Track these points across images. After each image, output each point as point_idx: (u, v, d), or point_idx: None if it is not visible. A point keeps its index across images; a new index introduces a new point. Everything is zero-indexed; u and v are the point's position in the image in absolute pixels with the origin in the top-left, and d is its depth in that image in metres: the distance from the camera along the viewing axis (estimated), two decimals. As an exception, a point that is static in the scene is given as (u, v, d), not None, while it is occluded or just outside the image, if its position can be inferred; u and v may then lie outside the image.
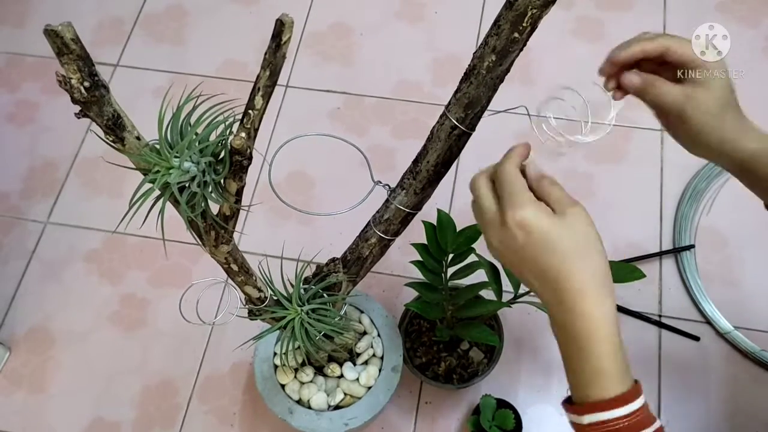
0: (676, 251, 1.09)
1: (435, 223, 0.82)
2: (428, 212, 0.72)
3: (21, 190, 1.21)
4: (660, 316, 1.06)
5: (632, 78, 0.60)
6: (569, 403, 0.52)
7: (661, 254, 1.09)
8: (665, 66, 0.60)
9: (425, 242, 0.83)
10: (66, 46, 0.41)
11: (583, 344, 0.49)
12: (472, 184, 0.56)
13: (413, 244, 0.84)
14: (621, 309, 1.05)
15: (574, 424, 0.51)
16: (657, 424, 0.50)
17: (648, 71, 0.60)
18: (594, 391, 0.49)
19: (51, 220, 1.18)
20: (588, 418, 0.49)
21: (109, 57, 1.33)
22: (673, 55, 0.58)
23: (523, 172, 0.54)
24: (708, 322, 1.04)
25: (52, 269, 1.14)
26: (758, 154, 0.58)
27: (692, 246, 1.09)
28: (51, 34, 0.40)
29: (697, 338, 1.03)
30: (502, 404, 0.95)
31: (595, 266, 0.50)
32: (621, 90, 0.62)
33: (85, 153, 1.24)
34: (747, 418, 0.98)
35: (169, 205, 0.49)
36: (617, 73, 0.61)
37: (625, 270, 0.78)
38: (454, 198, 1.15)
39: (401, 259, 1.08)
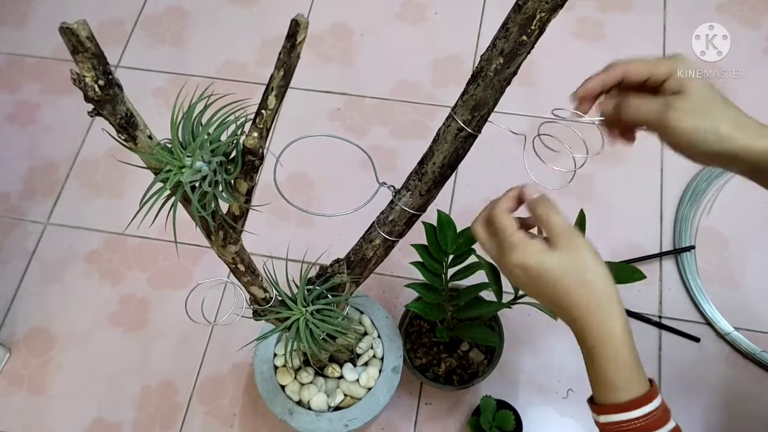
0: (677, 252, 1.09)
1: (435, 224, 0.82)
2: (428, 213, 0.72)
3: (21, 191, 1.21)
4: (660, 317, 1.06)
5: (603, 104, 0.58)
6: (592, 402, 0.57)
7: (661, 255, 1.09)
8: (644, 85, 0.58)
9: (425, 243, 0.83)
10: (81, 44, 0.40)
11: (595, 358, 0.54)
12: (473, 232, 0.60)
13: (413, 245, 0.84)
14: (621, 310, 1.05)
15: (595, 422, 0.56)
16: (671, 425, 0.54)
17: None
18: (609, 396, 0.54)
19: (51, 221, 1.18)
20: (604, 418, 0.54)
21: (109, 58, 1.30)
22: (634, 77, 0.56)
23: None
24: (708, 323, 1.04)
25: (52, 270, 1.14)
26: None
27: (692, 247, 1.09)
28: (66, 31, 0.39)
29: (697, 339, 1.03)
30: (502, 405, 0.95)
31: (595, 290, 0.54)
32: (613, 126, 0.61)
33: (85, 154, 1.24)
34: (747, 419, 0.98)
35: (169, 206, 0.48)
36: (591, 104, 0.60)
37: (625, 271, 0.78)
38: (454, 199, 1.15)
39: (401, 260, 1.08)
